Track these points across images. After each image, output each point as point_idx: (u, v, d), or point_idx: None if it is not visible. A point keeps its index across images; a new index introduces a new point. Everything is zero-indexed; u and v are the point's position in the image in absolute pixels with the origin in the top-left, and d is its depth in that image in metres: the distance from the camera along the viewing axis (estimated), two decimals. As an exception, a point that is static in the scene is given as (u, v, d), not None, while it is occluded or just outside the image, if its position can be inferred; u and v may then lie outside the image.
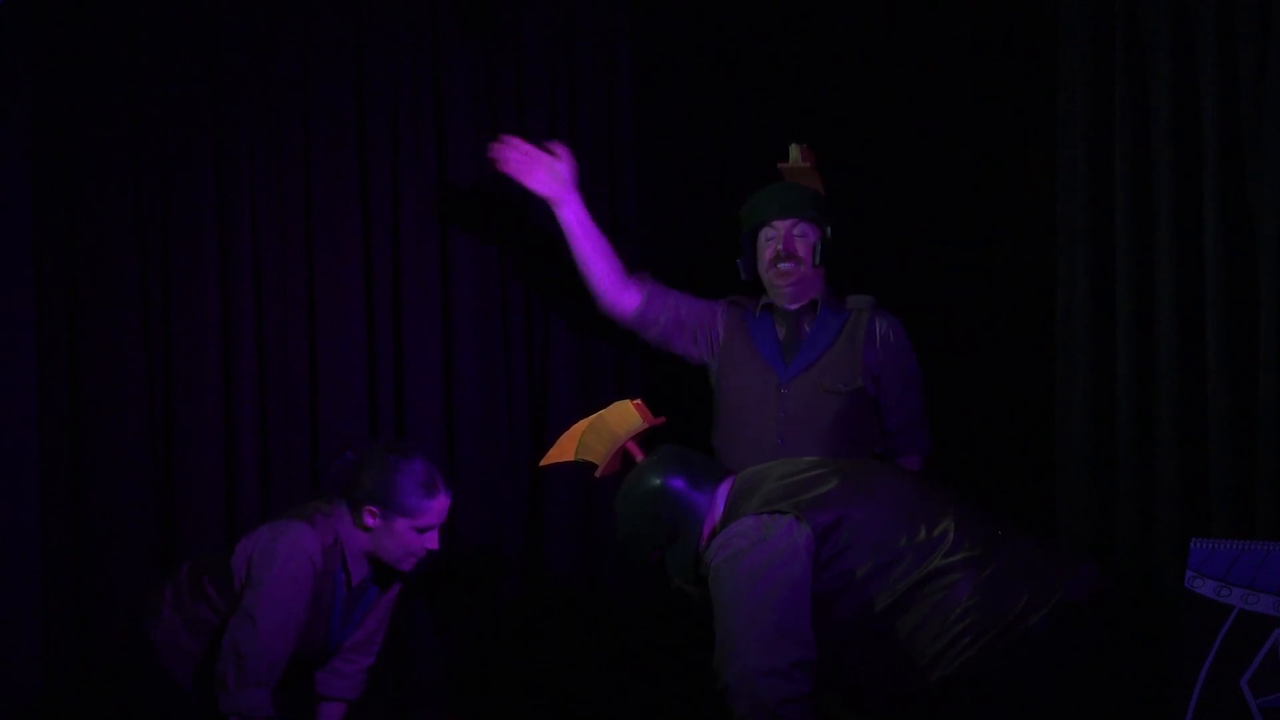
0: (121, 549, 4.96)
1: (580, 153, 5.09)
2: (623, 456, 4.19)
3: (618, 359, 5.14)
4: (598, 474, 4.24)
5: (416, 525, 4.31)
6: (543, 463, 4.41)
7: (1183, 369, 4.27)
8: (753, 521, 3.79)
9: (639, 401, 4.26)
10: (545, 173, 4.79)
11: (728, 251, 4.82)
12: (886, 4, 5.16)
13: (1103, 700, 3.72)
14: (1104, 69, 4.41)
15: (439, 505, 4.33)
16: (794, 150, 4.79)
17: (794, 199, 4.70)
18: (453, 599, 5.09)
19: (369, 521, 4.30)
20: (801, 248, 4.66)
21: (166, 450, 5.01)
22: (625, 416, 4.21)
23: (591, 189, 5.11)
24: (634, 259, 5.15)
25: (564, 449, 4.29)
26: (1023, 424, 5.05)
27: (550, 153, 4.80)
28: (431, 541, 4.34)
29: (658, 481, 3.96)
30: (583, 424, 4.26)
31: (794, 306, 4.70)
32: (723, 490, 3.95)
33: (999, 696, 3.67)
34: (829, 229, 4.68)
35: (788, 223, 4.66)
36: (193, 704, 4.28)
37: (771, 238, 4.68)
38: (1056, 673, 3.69)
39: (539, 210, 5.12)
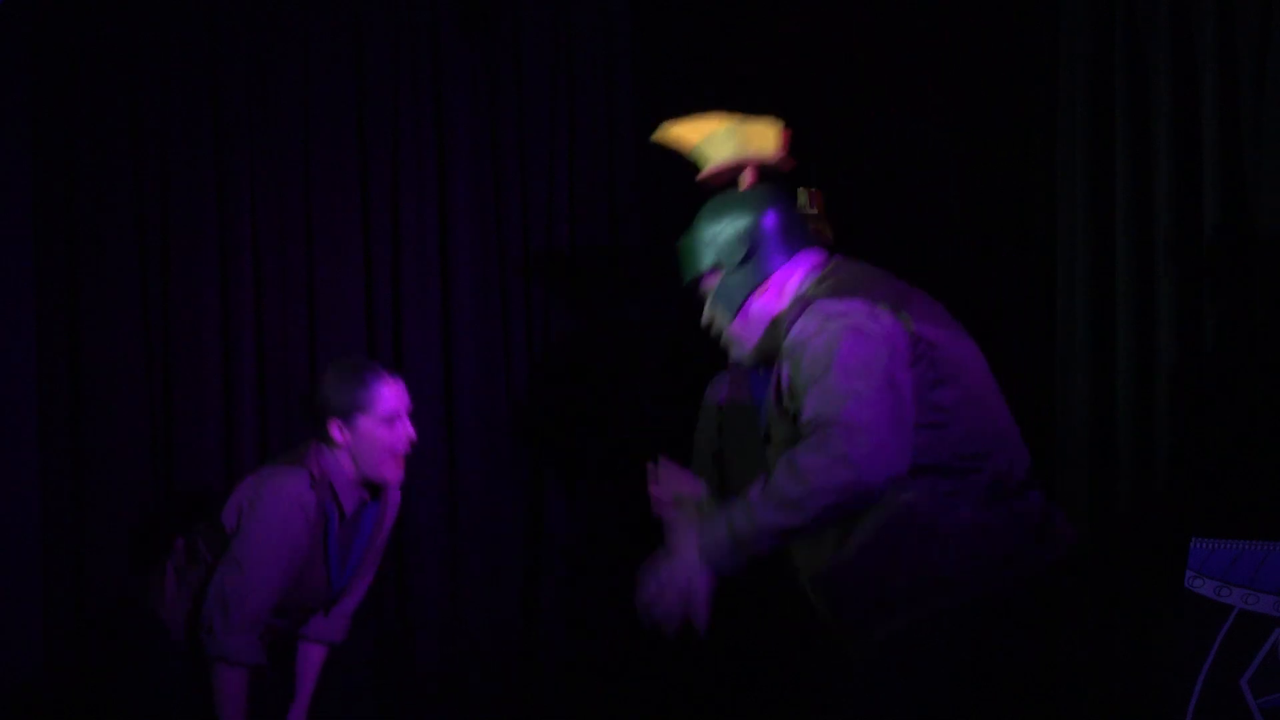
0: (121, 549, 4.95)
1: (580, 153, 5.09)
2: (735, 175, 3.80)
3: (618, 359, 5.13)
4: (700, 176, 3.83)
5: (380, 416, 4.22)
6: (657, 137, 3.88)
7: (1183, 369, 4.27)
8: (861, 304, 3.48)
9: (788, 131, 3.87)
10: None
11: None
12: (887, 4, 5.16)
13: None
14: (1104, 69, 4.42)
15: (391, 389, 4.25)
16: (802, 195, 4.55)
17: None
18: (453, 598, 5.09)
19: (336, 436, 4.23)
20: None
21: (166, 450, 5.01)
22: (765, 138, 3.84)
23: (592, 189, 5.11)
24: (634, 259, 5.15)
25: (690, 134, 3.86)
26: (1023, 424, 5.03)
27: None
28: (405, 429, 4.26)
29: (760, 205, 3.65)
30: (719, 120, 3.87)
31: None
32: (808, 258, 3.66)
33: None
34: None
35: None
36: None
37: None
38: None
39: (539, 212, 5.13)
